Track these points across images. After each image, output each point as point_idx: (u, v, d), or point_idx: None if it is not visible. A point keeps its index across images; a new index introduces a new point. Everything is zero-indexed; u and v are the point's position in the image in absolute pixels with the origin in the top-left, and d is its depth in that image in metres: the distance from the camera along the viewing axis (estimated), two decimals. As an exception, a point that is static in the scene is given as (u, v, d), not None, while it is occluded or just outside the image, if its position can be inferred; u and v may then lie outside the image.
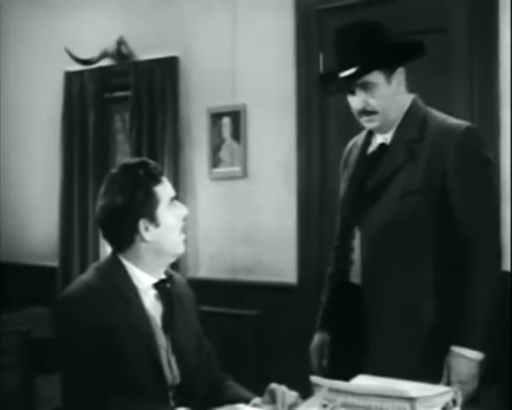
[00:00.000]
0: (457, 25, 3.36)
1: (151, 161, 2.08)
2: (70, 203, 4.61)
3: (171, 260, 2.12)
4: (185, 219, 2.10)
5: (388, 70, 2.38)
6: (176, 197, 2.11)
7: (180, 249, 2.10)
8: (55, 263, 4.67)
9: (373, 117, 2.41)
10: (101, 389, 1.89)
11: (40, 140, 4.90)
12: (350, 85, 2.41)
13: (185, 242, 2.12)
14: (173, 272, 2.21)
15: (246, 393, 2.09)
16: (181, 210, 2.09)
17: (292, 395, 1.97)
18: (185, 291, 2.20)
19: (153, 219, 2.02)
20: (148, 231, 2.02)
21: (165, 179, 2.08)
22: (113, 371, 1.91)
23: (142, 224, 2.01)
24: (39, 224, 4.91)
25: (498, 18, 3.26)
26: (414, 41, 2.52)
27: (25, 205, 4.99)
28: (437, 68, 3.31)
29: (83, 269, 4.47)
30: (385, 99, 2.38)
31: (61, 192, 4.65)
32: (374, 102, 2.38)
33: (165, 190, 2.05)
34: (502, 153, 3.26)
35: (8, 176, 5.05)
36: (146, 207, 2.01)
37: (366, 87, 2.37)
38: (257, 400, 2.02)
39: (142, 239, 2.02)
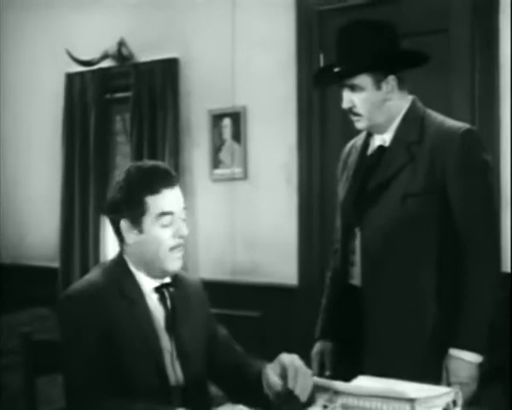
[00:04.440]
0: (458, 26, 3.37)
1: (163, 169, 2.02)
2: (71, 204, 4.62)
3: (163, 275, 2.04)
4: (182, 237, 2.01)
5: (379, 75, 2.36)
6: (171, 213, 2.00)
7: (170, 267, 2.01)
8: (55, 264, 4.68)
9: (359, 118, 2.41)
10: (103, 388, 1.89)
11: (41, 141, 4.90)
12: (338, 82, 2.41)
13: (179, 259, 2.02)
14: (184, 274, 2.18)
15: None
16: (178, 228, 2.01)
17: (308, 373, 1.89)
18: (195, 293, 2.16)
19: (137, 224, 1.99)
20: (130, 233, 2.00)
21: (167, 192, 1.99)
22: (115, 372, 1.91)
23: (124, 223, 2.00)
24: (40, 225, 4.91)
25: (499, 19, 3.27)
26: (409, 51, 2.50)
27: (26, 206, 4.99)
28: (437, 69, 3.31)
29: (84, 270, 4.47)
30: (371, 104, 2.37)
31: (61, 193, 4.65)
32: (359, 105, 2.38)
33: (159, 202, 1.98)
34: (502, 154, 3.26)
35: (9, 177, 5.05)
36: (130, 211, 1.98)
37: (353, 88, 2.37)
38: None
39: (124, 240, 2.02)
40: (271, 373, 1.93)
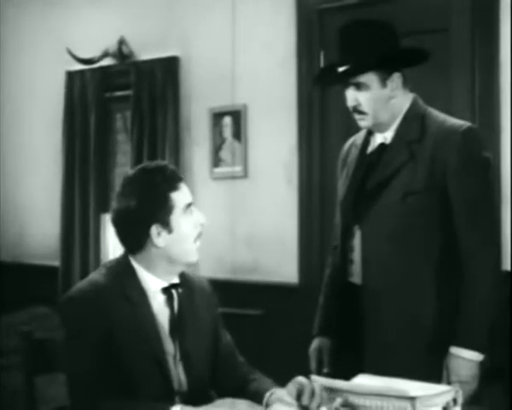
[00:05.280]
0: (458, 25, 3.37)
1: (170, 166, 2.05)
2: (71, 202, 4.62)
3: (183, 268, 2.09)
4: (202, 225, 2.07)
5: (384, 73, 2.36)
6: (191, 203, 2.06)
7: (192, 258, 2.06)
8: (56, 263, 4.67)
9: (363, 117, 2.41)
10: (105, 388, 1.88)
11: (42, 140, 4.90)
12: (343, 81, 2.41)
13: (198, 250, 2.06)
14: (193, 275, 2.18)
15: (273, 386, 2.04)
16: (197, 217, 2.06)
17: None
18: (203, 294, 2.17)
19: (166, 225, 1.98)
20: (160, 237, 1.98)
21: (182, 185, 2.04)
22: (118, 372, 1.90)
23: (155, 229, 1.98)
24: (41, 223, 4.91)
25: (499, 19, 3.26)
26: (413, 48, 2.51)
27: (26, 204, 4.99)
28: (438, 68, 3.31)
29: (84, 268, 4.48)
30: (376, 102, 2.37)
31: (62, 191, 4.65)
32: (364, 103, 2.37)
33: (181, 196, 2.02)
34: (502, 153, 3.26)
35: (9, 175, 5.05)
36: (159, 213, 1.98)
37: (358, 87, 2.37)
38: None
39: (154, 244, 1.99)
40: (285, 396, 1.93)
